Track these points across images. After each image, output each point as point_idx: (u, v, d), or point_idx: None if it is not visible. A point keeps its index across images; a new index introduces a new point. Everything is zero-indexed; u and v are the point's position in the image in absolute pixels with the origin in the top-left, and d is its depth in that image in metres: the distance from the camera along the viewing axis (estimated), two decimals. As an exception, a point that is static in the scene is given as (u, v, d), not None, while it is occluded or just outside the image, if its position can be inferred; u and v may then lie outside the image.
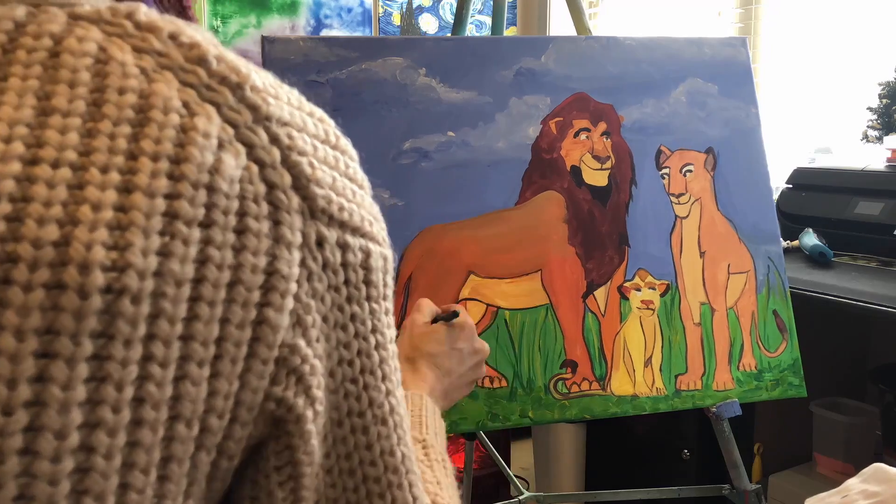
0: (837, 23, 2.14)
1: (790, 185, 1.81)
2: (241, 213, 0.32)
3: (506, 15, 1.58)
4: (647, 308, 1.18)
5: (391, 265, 0.40)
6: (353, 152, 0.41)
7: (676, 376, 1.17)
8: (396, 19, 2.87)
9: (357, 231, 0.37)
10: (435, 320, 0.85)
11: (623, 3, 2.86)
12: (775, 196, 1.70)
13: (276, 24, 2.72)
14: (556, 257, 1.16)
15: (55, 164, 0.30)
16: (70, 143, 0.30)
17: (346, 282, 0.37)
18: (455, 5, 1.89)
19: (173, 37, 0.33)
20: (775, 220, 1.27)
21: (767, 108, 2.03)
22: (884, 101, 1.80)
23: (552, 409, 1.13)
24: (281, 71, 1.11)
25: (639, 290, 1.18)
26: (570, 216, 1.18)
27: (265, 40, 1.13)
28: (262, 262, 0.33)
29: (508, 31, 2.58)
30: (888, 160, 1.67)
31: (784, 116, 2.27)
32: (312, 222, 0.35)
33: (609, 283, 1.18)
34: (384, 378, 0.39)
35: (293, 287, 0.34)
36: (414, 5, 2.89)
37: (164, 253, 0.30)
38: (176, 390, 0.31)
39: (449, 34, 1.89)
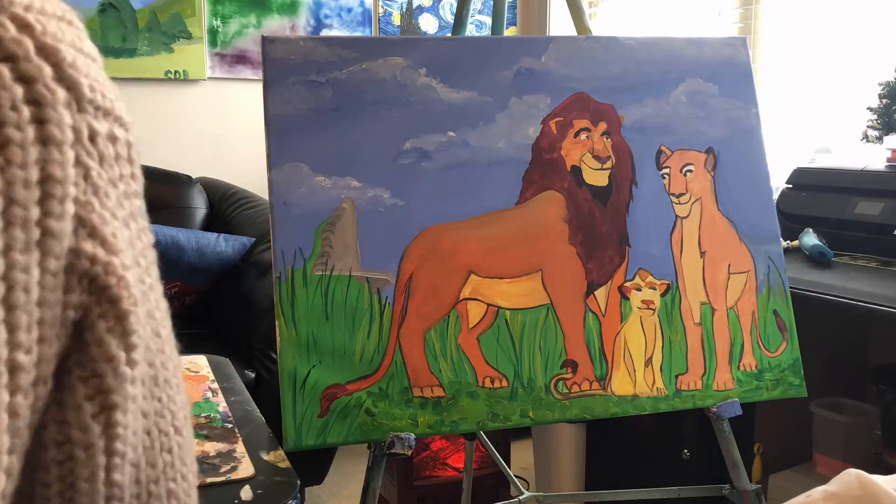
0: (837, 23, 2.14)
1: (790, 185, 1.81)
2: None
3: (506, 15, 1.58)
4: (648, 308, 1.18)
5: (138, 154, 0.36)
6: (79, 21, 0.34)
7: (677, 376, 1.17)
8: (396, 19, 2.87)
9: (119, 120, 0.33)
10: None
11: (623, 3, 2.86)
12: (775, 196, 1.70)
13: (276, 24, 2.72)
14: (556, 257, 1.16)
15: None
16: None
17: (121, 177, 0.33)
18: (455, 5, 1.89)
19: None
20: (775, 220, 1.27)
21: (767, 108, 2.03)
22: (884, 101, 1.80)
23: (553, 409, 1.13)
24: (281, 71, 1.11)
25: (639, 289, 1.18)
26: (570, 216, 1.18)
27: (265, 40, 1.13)
28: (34, 173, 0.28)
29: (508, 31, 2.58)
30: (888, 160, 1.67)
31: (784, 116, 2.27)
32: (81, 115, 0.30)
33: (609, 282, 1.18)
34: (156, 280, 0.37)
35: (72, 190, 0.30)
36: (414, 5, 2.89)
37: None
38: None
39: (449, 34, 1.89)
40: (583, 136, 1.20)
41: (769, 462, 1.78)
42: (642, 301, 1.18)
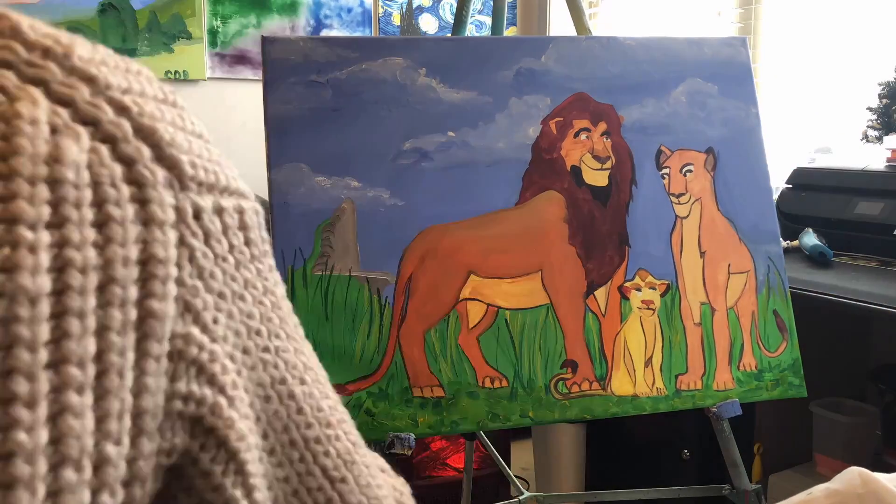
0: (837, 23, 2.14)
1: (790, 185, 1.81)
2: (98, 203, 0.27)
3: (506, 15, 1.58)
4: (648, 308, 1.18)
5: (262, 217, 0.36)
6: (181, 102, 0.35)
7: (677, 376, 1.17)
8: (396, 19, 2.87)
9: (226, 190, 0.33)
10: None
11: (623, 3, 2.86)
12: (775, 196, 1.70)
13: (276, 24, 2.72)
14: (556, 257, 1.16)
15: None
16: None
17: (231, 248, 0.33)
18: (455, 5, 1.89)
19: None
20: (775, 220, 1.27)
21: (767, 108, 2.03)
22: (884, 101, 1.80)
23: (553, 409, 1.13)
24: (281, 71, 1.11)
25: (639, 290, 1.18)
26: (570, 216, 1.18)
27: (265, 40, 1.13)
28: (134, 251, 0.28)
29: (508, 31, 2.58)
30: (888, 160, 1.67)
31: (784, 116, 2.27)
32: (184, 194, 0.31)
33: (609, 283, 1.18)
34: (289, 337, 0.37)
35: (174, 270, 0.30)
36: (414, 5, 2.89)
37: (6, 268, 0.25)
38: (54, 430, 0.26)
39: (449, 34, 1.89)
40: (583, 136, 1.20)
41: (769, 462, 1.78)
42: (642, 301, 1.18)
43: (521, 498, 1.49)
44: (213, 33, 2.63)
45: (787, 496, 1.71)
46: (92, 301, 0.27)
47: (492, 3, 1.56)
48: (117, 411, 0.27)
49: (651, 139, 1.22)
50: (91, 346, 0.27)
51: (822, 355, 1.66)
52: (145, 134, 0.30)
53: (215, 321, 0.31)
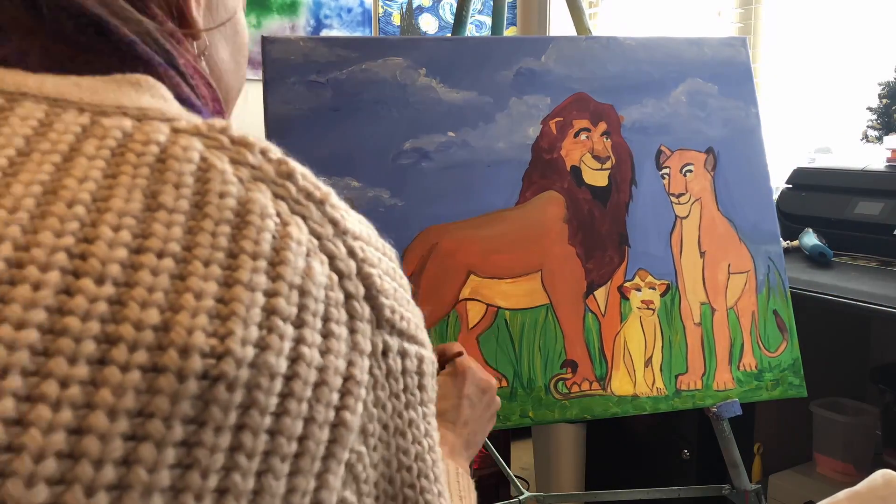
0: (837, 23, 2.14)
1: (790, 185, 1.81)
2: (326, 318, 0.34)
3: (506, 15, 1.58)
4: (648, 308, 1.18)
5: (435, 368, 0.42)
6: (395, 254, 0.43)
7: (677, 376, 1.17)
8: (396, 19, 2.87)
9: (413, 339, 0.39)
10: (440, 361, 0.82)
11: (623, 3, 2.86)
12: (775, 196, 1.70)
13: (276, 24, 2.72)
14: (556, 257, 1.16)
15: (160, 254, 0.31)
16: (174, 236, 0.32)
17: (405, 388, 0.39)
18: (455, 5, 1.89)
19: (263, 152, 0.37)
20: (775, 220, 1.27)
21: (767, 108, 2.03)
22: (884, 101, 1.80)
23: (552, 409, 1.13)
24: (281, 71, 1.11)
25: (639, 290, 1.18)
26: (570, 216, 1.18)
27: (265, 40, 1.13)
28: (342, 366, 0.34)
29: (508, 31, 2.58)
30: (888, 160, 1.67)
31: (784, 116, 2.27)
32: (378, 332, 0.37)
33: (609, 283, 1.18)
34: (436, 480, 0.41)
35: (363, 393, 0.35)
36: (414, 5, 2.89)
37: (261, 345, 0.31)
38: (258, 483, 0.31)
39: (449, 34, 1.89)
40: (583, 136, 1.20)
41: (769, 462, 1.78)
42: (642, 301, 1.18)
43: (521, 498, 1.49)
44: (213, 33, 2.63)
45: (787, 496, 1.71)
46: (309, 392, 0.33)
47: (492, 3, 1.56)
48: (303, 489, 0.33)
49: (651, 139, 1.22)
50: (299, 427, 0.33)
51: (822, 355, 1.66)
52: (363, 276, 0.37)
53: (375, 448, 0.37)
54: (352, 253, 0.36)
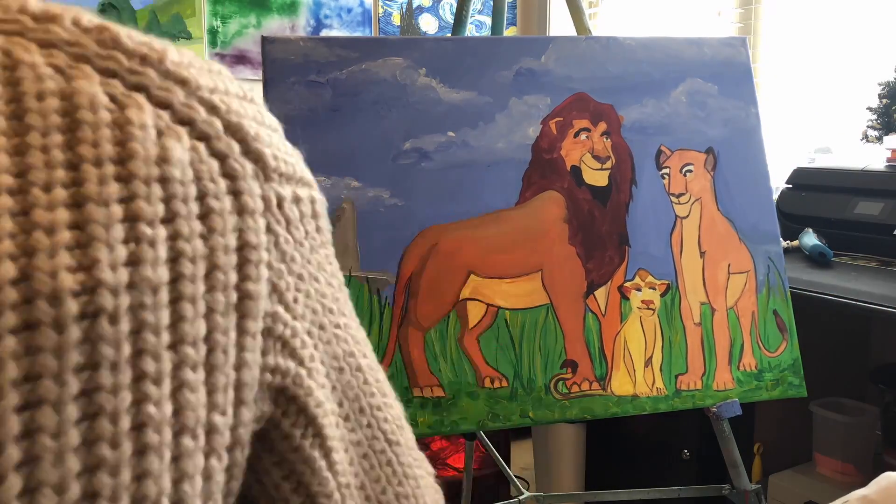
0: (837, 23, 2.14)
1: (790, 185, 1.81)
2: (201, 196, 0.30)
3: (506, 15, 1.58)
4: (648, 308, 1.18)
5: (326, 207, 0.39)
6: (259, 99, 0.37)
7: (677, 376, 1.17)
8: (396, 19, 2.87)
9: (301, 181, 0.36)
10: None
11: (623, 3, 2.86)
12: (775, 196, 1.70)
13: (276, 24, 2.72)
14: (556, 257, 1.16)
15: None
16: (2, 165, 0.27)
17: (307, 234, 0.36)
18: (455, 5, 1.89)
19: (76, 22, 0.31)
20: (775, 220, 1.27)
21: (767, 108, 2.03)
22: (884, 101, 1.80)
23: (553, 409, 1.13)
24: (281, 71, 1.11)
25: (639, 289, 1.18)
26: (570, 216, 1.18)
27: (265, 40, 1.13)
28: (232, 240, 0.31)
29: (508, 31, 2.58)
30: (888, 160, 1.67)
31: (784, 116, 2.27)
32: (268, 185, 0.33)
33: (609, 283, 1.18)
34: (350, 314, 0.40)
35: (264, 255, 0.33)
36: (414, 5, 2.89)
37: (133, 262, 0.28)
38: (175, 403, 0.29)
39: (449, 34, 1.89)
40: (582, 136, 1.20)
41: (769, 462, 1.78)
42: (642, 301, 1.18)
43: (521, 498, 1.49)
44: (213, 33, 2.63)
45: (787, 496, 1.71)
46: (201, 287, 0.30)
47: (492, 3, 1.56)
48: (223, 385, 0.31)
49: (651, 139, 1.22)
50: (202, 327, 0.30)
51: (822, 355, 1.66)
52: (234, 130, 0.32)
53: (295, 300, 0.34)
54: (213, 109, 0.32)
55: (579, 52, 1.22)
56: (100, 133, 0.29)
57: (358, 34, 2.81)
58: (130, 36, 0.32)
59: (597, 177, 1.20)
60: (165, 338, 0.29)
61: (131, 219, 0.28)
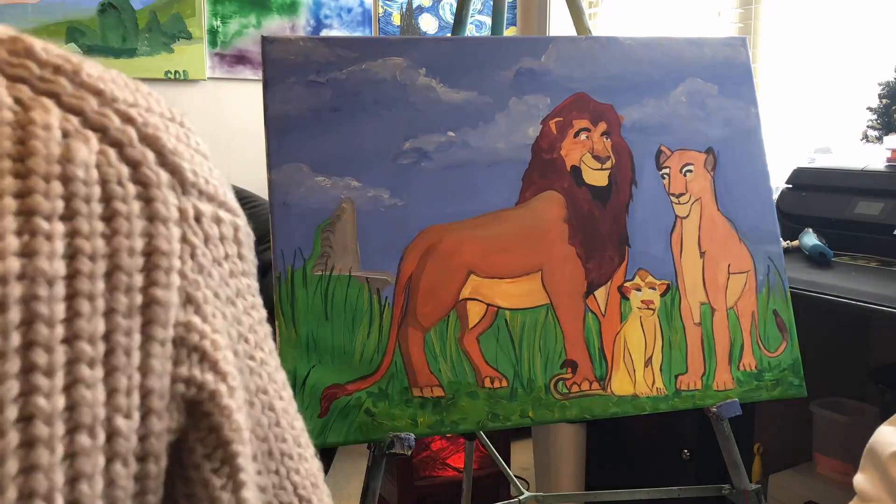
0: (837, 23, 2.14)
1: (790, 185, 1.81)
2: (106, 199, 0.30)
3: (506, 15, 1.58)
4: (648, 308, 1.18)
5: (252, 241, 0.39)
6: (189, 124, 0.37)
7: (677, 376, 1.17)
8: (396, 19, 2.87)
9: (224, 205, 0.36)
10: None
11: (623, 3, 2.86)
12: (775, 196, 1.70)
13: (276, 24, 2.72)
14: (556, 257, 1.16)
15: None
16: None
17: (226, 256, 0.35)
18: (455, 5, 1.89)
19: None
20: (775, 220, 1.27)
21: (767, 108, 2.03)
22: (884, 101, 1.80)
23: (552, 409, 1.13)
24: (281, 71, 1.11)
25: (639, 290, 1.18)
26: (570, 216, 1.18)
27: (265, 40, 1.13)
28: (139, 243, 0.31)
29: (508, 31, 2.58)
30: (888, 160, 1.67)
31: (784, 116, 2.27)
32: (186, 197, 0.33)
33: (609, 283, 1.18)
34: (270, 353, 0.39)
35: (177, 263, 0.32)
36: (414, 5, 2.89)
37: (26, 253, 0.28)
38: (69, 398, 0.28)
39: (449, 34, 1.89)
40: (582, 136, 1.20)
41: (769, 462, 1.78)
42: (642, 301, 1.18)
43: (521, 498, 1.49)
44: (212, 33, 2.63)
45: (787, 496, 1.71)
46: (100, 285, 0.30)
47: (492, 3, 1.56)
48: (125, 387, 0.30)
49: (651, 139, 1.22)
50: (100, 325, 0.29)
51: (822, 355, 1.66)
52: (150, 141, 0.32)
53: (214, 315, 0.34)
54: (128, 119, 0.32)
55: (579, 52, 1.22)
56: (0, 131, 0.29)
57: (358, 34, 2.81)
58: (46, 48, 0.32)
59: (597, 177, 1.20)
60: (59, 331, 0.28)
61: (27, 212, 0.28)
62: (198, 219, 0.33)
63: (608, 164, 1.20)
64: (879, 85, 1.81)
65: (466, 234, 1.14)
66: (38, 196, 0.29)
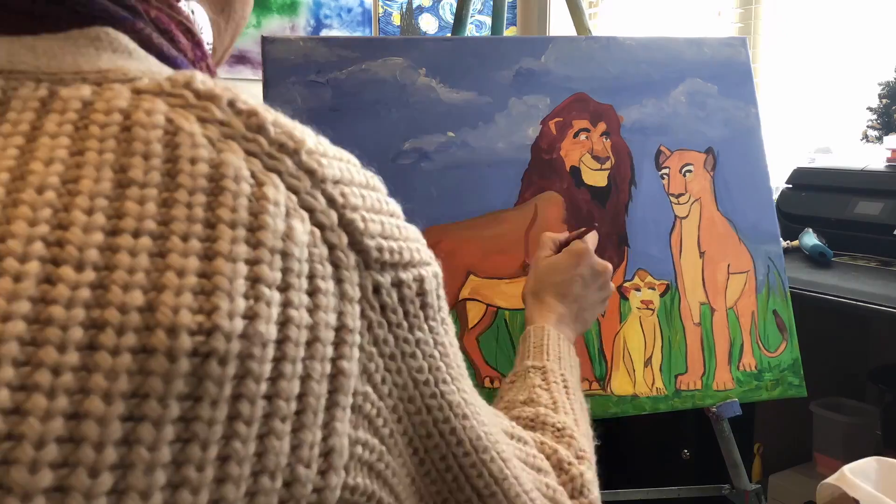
0: (837, 23, 2.14)
1: (790, 185, 1.81)
2: (311, 275, 0.34)
3: (506, 15, 1.58)
4: (647, 308, 1.18)
5: (440, 276, 0.43)
6: (382, 185, 0.42)
7: (676, 376, 1.17)
8: (396, 19, 2.87)
9: (408, 265, 0.39)
10: (566, 243, 0.91)
11: (623, 3, 2.86)
12: (775, 196, 1.70)
13: (276, 24, 2.72)
14: (555, 257, 1.16)
15: (136, 234, 0.31)
16: (148, 213, 0.32)
17: (406, 314, 0.39)
18: (455, 5, 1.89)
19: (231, 104, 0.36)
20: (775, 220, 1.27)
21: (767, 108, 2.03)
22: (884, 101, 1.80)
23: (552, 410, 1.13)
24: (281, 71, 1.11)
25: (638, 290, 1.18)
26: (569, 217, 1.18)
27: (265, 40, 1.13)
28: (332, 319, 0.35)
29: (508, 31, 2.58)
30: (888, 160, 1.67)
31: (784, 116, 2.27)
32: (367, 273, 0.37)
33: (609, 283, 1.18)
34: (454, 380, 0.43)
35: (357, 339, 0.36)
36: (414, 5, 2.89)
37: (249, 315, 0.32)
38: (261, 445, 0.33)
39: (449, 34, 1.89)
40: (582, 136, 1.20)
41: (769, 462, 1.78)
42: (641, 301, 1.18)
43: (520, 498, 1.49)
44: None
45: (787, 496, 1.71)
46: (302, 352, 0.34)
47: (492, 3, 1.56)
48: (310, 442, 0.34)
49: (651, 139, 1.22)
50: (296, 387, 0.34)
51: (822, 355, 1.66)
52: (345, 224, 0.36)
53: (383, 381, 0.38)
54: (331, 202, 0.36)
55: (579, 53, 1.22)
56: (239, 201, 0.33)
57: (358, 34, 2.81)
58: (277, 123, 0.37)
59: (596, 177, 1.20)
60: (263, 387, 0.32)
61: (254, 279, 0.32)
62: (376, 290, 0.37)
63: (608, 165, 1.20)
64: (879, 85, 1.81)
65: (466, 234, 1.14)
66: (265, 266, 0.33)
